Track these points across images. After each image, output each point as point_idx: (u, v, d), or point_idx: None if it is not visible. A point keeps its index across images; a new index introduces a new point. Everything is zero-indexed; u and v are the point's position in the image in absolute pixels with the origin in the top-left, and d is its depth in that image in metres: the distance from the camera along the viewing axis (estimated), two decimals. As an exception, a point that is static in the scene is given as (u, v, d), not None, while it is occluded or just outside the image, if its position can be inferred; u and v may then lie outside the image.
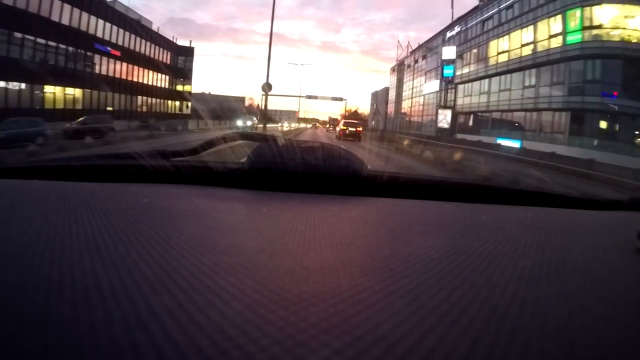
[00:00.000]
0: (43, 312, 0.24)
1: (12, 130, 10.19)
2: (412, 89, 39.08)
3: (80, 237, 0.37)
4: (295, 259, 0.36)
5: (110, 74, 25.59)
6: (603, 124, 16.74)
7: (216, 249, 0.37)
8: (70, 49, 21.65)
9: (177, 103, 34.98)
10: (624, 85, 15.76)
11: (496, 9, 24.10)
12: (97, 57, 24.17)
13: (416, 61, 38.81)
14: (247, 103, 66.75)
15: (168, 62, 33.25)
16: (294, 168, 0.68)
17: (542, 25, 19.87)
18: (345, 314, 0.26)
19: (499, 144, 18.46)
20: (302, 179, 0.69)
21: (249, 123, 28.22)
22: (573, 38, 17.73)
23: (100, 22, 24.17)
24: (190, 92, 35.44)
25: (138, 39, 28.24)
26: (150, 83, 30.71)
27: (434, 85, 32.03)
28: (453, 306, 0.28)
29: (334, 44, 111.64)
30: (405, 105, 41.43)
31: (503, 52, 23.17)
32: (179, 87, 34.63)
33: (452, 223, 0.59)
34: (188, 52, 35.82)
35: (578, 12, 17.47)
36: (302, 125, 62.47)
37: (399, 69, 45.60)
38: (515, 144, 18.68)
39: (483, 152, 14.29)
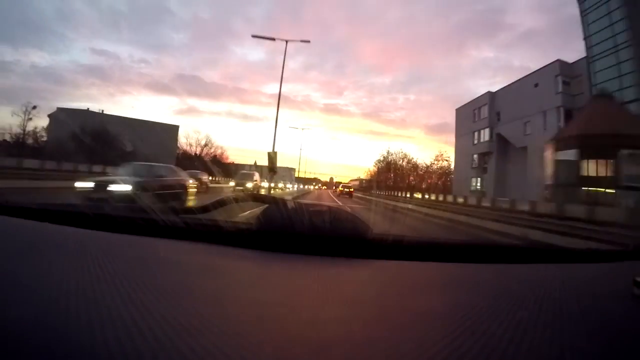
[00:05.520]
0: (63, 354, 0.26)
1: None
2: None
3: (106, 283, 0.42)
4: (314, 312, 0.40)
5: None
6: None
7: (239, 302, 0.41)
8: None
9: None
10: None
11: None
12: None
13: None
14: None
15: None
16: (302, 230, 0.70)
17: None
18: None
19: None
20: (309, 241, 0.71)
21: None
22: None
23: None
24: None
25: None
26: None
27: None
28: (455, 350, 0.32)
29: (336, 106, 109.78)
30: None
31: None
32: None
33: (455, 283, 0.60)
34: None
35: None
36: (303, 187, 48.32)
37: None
38: None
39: None
